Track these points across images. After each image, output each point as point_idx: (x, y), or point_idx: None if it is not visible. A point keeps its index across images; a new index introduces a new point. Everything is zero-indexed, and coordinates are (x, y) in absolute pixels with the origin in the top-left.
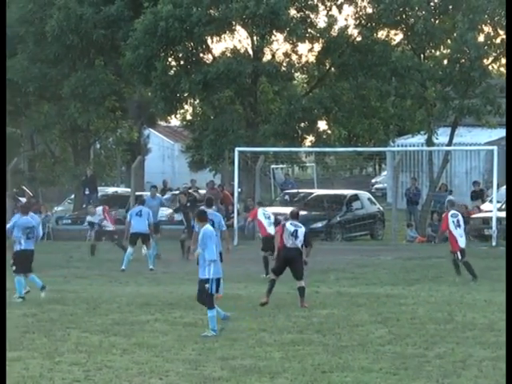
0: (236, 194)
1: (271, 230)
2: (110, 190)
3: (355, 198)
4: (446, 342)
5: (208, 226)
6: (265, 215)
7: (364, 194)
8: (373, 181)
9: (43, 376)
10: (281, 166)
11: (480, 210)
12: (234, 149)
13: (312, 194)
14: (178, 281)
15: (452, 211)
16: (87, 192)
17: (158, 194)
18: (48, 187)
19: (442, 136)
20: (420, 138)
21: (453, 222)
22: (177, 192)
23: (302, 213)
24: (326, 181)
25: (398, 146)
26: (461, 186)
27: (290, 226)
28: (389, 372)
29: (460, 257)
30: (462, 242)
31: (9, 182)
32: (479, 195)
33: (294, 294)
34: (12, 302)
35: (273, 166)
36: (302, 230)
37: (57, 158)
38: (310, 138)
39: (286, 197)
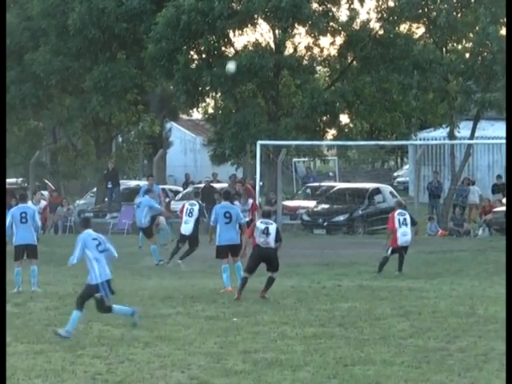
0: (258, 188)
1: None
2: (132, 183)
3: (377, 191)
4: (468, 336)
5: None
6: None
7: (386, 188)
8: (395, 174)
9: (65, 369)
10: (303, 159)
11: (502, 204)
12: (255, 142)
13: (334, 187)
14: (200, 274)
15: (399, 210)
16: (109, 185)
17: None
18: (70, 181)
19: (464, 129)
20: (442, 132)
21: (399, 220)
22: (200, 185)
23: (324, 206)
24: (348, 174)
25: (420, 139)
26: (483, 179)
27: (260, 224)
28: (411, 365)
29: (390, 253)
30: (402, 239)
31: (31, 176)
32: (501, 189)
33: (315, 287)
34: (34, 296)
35: (295, 160)
36: (273, 227)
37: (79, 152)
38: (331, 132)
39: (308, 190)
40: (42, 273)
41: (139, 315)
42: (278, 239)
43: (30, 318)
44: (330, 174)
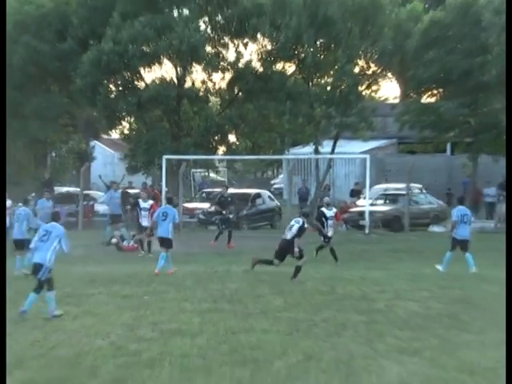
0: (164, 193)
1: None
2: (64, 189)
3: (258, 195)
4: (330, 309)
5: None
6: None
7: (265, 193)
8: (272, 182)
9: (10, 335)
10: (199, 170)
11: (356, 206)
12: (162, 157)
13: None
14: (118, 261)
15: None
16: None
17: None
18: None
19: (326, 147)
20: (309, 149)
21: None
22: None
23: (216, 207)
24: (236, 182)
25: (292, 154)
26: (341, 186)
27: (293, 221)
28: (285, 333)
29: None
30: (330, 231)
31: None
32: (356, 193)
33: (209, 271)
34: None
35: (193, 171)
36: (296, 226)
37: (21, 165)
38: (222, 148)
39: (204, 195)
40: None
41: (69, 295)
42: (296, 235)
43: None
44: (234, 182)
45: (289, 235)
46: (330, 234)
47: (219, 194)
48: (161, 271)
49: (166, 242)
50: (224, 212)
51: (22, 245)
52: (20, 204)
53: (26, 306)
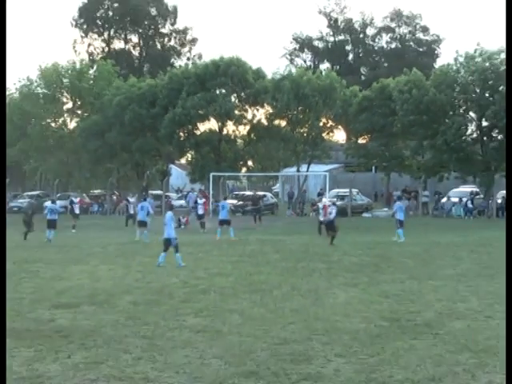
0: (211, 194)
1: None
2: (154, 192)
3: (265, 196)
4: (305, 261)
5: None
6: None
7: (269, 194)
8: (272, 188)
9: (124, 277)
10: (231, 181)
11: (321, 202)
12: (210, 174)
13: (245, 194)
14: (186, 233)
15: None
16: None
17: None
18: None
19: (303, 168)
20: (294, 169)
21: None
22: None
23: (240, 202)
24: (252, 188)
25: (284, 172)
26: (312, 191)
27: (330, 209)
28: (279, 274)
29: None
30: (321, 217)
31: None
32: (321, 195)
33: (237, 239)
34: None
35: (227, 181)
36: (334, 212)
37: (130, 178)
38: (244, 169)
39: (233, 195)
40: None
41: None
42: (335, 217)
43: None
44: (254, 188)
45: (332, 217)
46: (321, 218)
47: (252, 194)
48: (220, 238)
49: (225, 222)
50: (256, 205)
51: (145, 224)
52: (132, 199)
53: (160, 260)
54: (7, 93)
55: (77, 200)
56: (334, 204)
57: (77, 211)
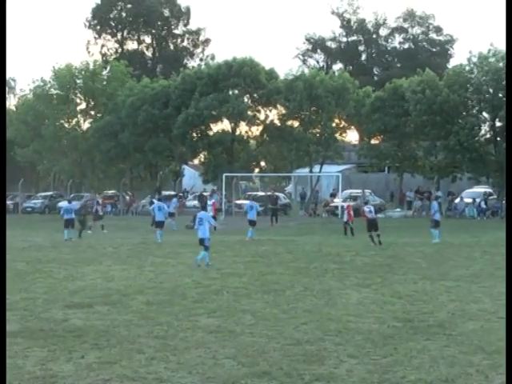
0: (223, 195)
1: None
2: (166, 192)
3: (278, 196)
4: (318, 261)
5: None
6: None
7: (281, 194)
8: (285, 188)
9: (136, 277)
10: (244, 181)
11: (333, 202)
12: (222, 174)
13: (258, 194)
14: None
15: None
16: None
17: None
18: (139, 192)
19: (316, 168)
20: (306, 170)
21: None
22: None
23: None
24: (264, 189)
25: (296, 173)
26: (325, 191)
27: (366, 208)
28: (292, 274)
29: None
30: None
31: None
32: (333, 195)
33: (250, 239)
34: None
35: (240, 182)
36: (373, 210)
37: (143, 179)
38: (257, 169)
39: (246, 195)
40: None
41: None
42: (376, 215)
43: None
44: (267, 188)
45: (373, 216)
46: (344, 219)
47: (270, 194)
48: (252, 238)
49: (252, 222)
50: (274, 204)
51: (162, 224)
52: (155, 200)
53: (199, 259)
54: (21, 94)
55: (100, 201)
56: (367, 203)
57: (100, 212)
